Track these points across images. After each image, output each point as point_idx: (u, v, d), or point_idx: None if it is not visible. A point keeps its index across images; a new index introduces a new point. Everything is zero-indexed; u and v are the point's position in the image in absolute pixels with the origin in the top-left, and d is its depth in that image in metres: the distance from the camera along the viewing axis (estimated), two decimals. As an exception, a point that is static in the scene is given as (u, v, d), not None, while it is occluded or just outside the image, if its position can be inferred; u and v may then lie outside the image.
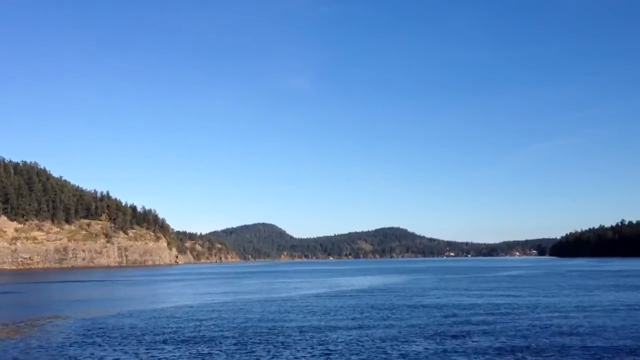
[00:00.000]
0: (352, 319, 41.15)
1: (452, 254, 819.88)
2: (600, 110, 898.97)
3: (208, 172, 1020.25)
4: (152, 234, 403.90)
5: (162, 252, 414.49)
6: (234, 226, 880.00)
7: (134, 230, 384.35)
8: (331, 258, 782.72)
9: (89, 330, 36.53)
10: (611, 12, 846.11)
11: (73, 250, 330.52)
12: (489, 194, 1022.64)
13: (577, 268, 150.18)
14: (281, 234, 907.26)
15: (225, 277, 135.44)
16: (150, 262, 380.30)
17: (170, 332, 35.32)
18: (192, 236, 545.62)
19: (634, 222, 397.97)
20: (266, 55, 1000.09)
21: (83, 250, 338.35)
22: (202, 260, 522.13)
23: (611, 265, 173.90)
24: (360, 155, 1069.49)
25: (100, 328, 37.68)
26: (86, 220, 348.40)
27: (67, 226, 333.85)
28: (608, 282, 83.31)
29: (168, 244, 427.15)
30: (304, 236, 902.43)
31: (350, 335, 32.80)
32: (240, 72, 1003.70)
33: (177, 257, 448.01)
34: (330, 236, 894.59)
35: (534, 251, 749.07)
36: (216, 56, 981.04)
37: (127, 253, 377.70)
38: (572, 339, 30.51)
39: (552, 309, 45.53)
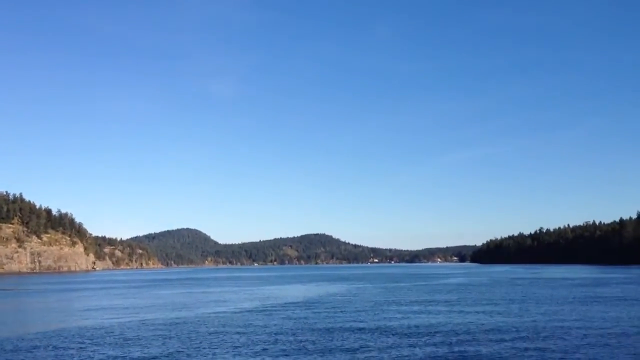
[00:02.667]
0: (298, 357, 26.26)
1: (376, 260, 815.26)
2: (521, 120, 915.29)
3: (129, 176, 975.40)
4: (68, 238, 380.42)
5: (79, 257, 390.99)
6: (157, 231, 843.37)
7: (48, 235, 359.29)
8: (256, 264, 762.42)
9: None
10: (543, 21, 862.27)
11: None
12: (412, 201, 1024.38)
13: (515, 276, 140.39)
14: (206, 239, 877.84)
15: (137, 285, 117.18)
16: (65, 268, 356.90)
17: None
18: (111, 241, 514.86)
19: (552, 229, 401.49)
20: (189, 58, 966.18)
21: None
22: (122, 267, 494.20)
23: (543, 272, 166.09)
24: (285, 161, 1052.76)
25: None
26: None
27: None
28: (573, 293, 71.78)
29: (85, 249, 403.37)
30: (229, 242, 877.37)
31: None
32: (162, 74, 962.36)
33: (94, 263, 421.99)
34: (256, 242, 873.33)
35: (455, 258, 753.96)
36: (138, 57, 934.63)
37: (40, 259, 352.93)
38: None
39: (563, 330, 32.11)
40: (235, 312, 49.46)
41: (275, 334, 34.85)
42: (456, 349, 28.83)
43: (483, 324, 38.13)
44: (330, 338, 32.69)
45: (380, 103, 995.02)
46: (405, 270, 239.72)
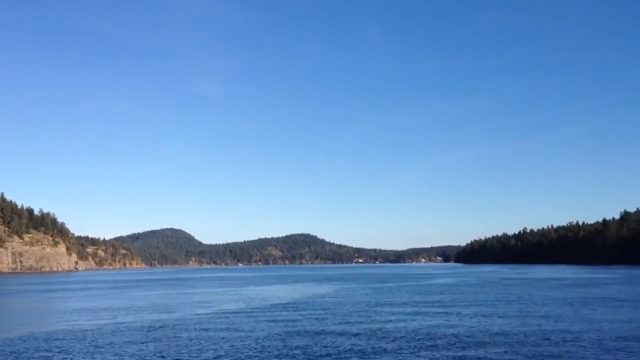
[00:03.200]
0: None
1: (360, 260, 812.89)
2: (504, 122, 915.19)
3: (113, 176, 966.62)
4: (50, 238, 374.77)
5: (61, 257, 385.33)
6: (141, 231, 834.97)
7: (30, 235, 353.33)
8: (240, 264, 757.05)
9: None
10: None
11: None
12: (396, 201, 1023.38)
13: (503, 276, 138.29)
14: (190, 239, 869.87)
15: (118, 286, 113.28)
16: (47, 269, 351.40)
17: None
18: (94, 241, 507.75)
19: (535, 230, 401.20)
20: (178, 58, 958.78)
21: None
22: (105, 267, 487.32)
23: (530, 272, 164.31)
24: (270, 162, 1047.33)
25: None
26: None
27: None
28: (568, 294, 69.40)
29: (67, 249, 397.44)
30: (213, 242, 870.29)
31: None
32: (152, 74, 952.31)
33: (77, 263, 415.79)
34: (240, 242, 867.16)
35: (439, 258, 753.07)
36: (125, 57, 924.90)
37: (22, 259, 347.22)
38: None
39: (573, 335, 29.32)
40: (218, 315, 46.27)
41: (262, 339, 31.74)
42: (463, 354, 25.96)
43: (487, 329, 35.26)
44: (324, 345, 29.65)
45: (368, 103, 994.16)
46: (390, 271, 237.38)
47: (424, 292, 75.93)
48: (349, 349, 28.09)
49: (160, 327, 38.40)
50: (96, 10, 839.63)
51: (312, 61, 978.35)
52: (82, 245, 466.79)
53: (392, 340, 30.74)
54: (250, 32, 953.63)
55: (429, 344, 29.54)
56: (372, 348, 28.38)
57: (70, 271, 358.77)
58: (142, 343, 31.12)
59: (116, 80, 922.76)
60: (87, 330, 37.37)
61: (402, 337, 32.00)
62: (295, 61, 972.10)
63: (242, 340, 31.34)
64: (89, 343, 31.45)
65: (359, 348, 28.42)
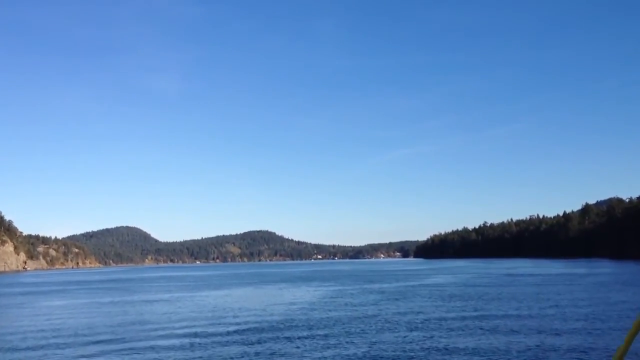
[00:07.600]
0: None
1: (319, 256, 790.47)
2: (462, 116, 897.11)
3: (66, 173, 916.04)
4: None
5: (8, 257, 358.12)
6: (95, 230, 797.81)
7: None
8: (198, 262, 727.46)
9: None
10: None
11: None
12: (353, 197, 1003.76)
13: (504, 272, 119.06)
14: (146, 237, 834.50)
15: (38, 290, 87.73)
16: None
17: None
18: (45, 240, 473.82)
19: (496, 224, 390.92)
20: (130, 53, 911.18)
21: None
22: (57, 266, 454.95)
23: (517, 267, 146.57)
24: (227, 158, 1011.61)
25: None
26: None
27: None
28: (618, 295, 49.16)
29: (15, 248, 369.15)
30: (170, 240, 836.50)
31: None
32: (101, 70, 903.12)
33: (25, 262, 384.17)
34: (198, 239, 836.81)
35: (398, 253, 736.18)
36: (73, 52, 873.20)
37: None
38: None
39: None
40: (155, 351, 23.47)
41: None
42: None
43: None
44: None
45: (325, 98, 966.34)
46: (359, 267, 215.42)
47: (452, 298, 54.03)
48: None
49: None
50: (41, 5, 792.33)
51: (268, 56, 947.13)
52: (33, 245, 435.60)
53: None
54: (205, 27, 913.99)
55: None
56: None
57: (18, 271, 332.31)
58: None
59: (67, 77, 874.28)
60: None
61: None
62: (251, 56, 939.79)
63: None
64: None
65: None
